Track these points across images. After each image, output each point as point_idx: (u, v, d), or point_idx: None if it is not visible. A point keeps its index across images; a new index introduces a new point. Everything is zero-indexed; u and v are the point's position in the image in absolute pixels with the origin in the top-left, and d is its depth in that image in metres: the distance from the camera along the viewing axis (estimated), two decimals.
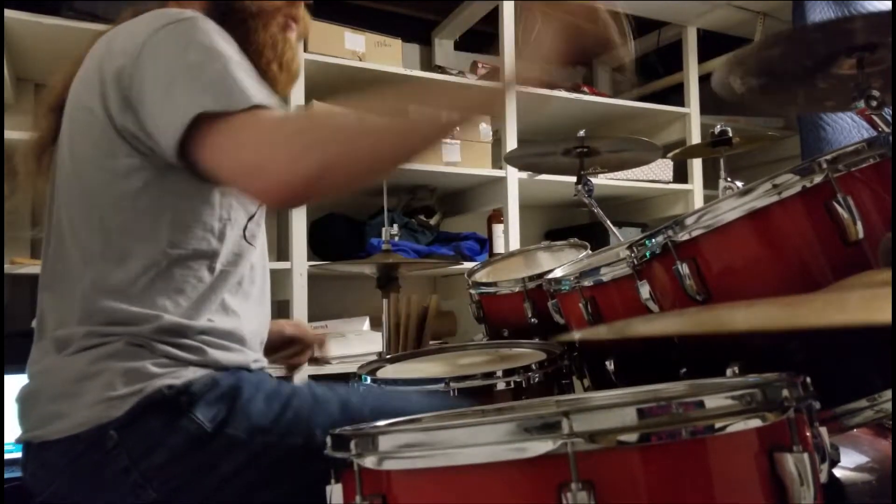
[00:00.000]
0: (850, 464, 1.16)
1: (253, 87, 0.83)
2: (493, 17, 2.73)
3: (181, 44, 0.85)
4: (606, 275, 1.14)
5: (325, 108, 0.85)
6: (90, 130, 0.89)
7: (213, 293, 0.94)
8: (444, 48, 3.08)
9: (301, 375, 1.94)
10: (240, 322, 0.98)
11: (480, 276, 1.82)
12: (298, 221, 2.23)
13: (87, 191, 0.91)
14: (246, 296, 1.00)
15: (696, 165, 3.01)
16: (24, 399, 0.92)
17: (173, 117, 0.81)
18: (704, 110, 3.08)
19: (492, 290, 1.66)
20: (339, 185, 0.83)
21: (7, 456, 1.42)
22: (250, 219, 0.99)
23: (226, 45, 0.87)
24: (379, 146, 0.83)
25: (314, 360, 1.41)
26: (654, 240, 0.97)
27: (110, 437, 0.83)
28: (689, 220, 0.93)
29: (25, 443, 0.90)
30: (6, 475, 1.34)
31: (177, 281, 0.91)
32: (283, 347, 1.35)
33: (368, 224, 2.51)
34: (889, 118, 1.15)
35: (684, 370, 1.01)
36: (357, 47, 2.36)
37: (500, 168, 2.57)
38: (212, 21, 0.90)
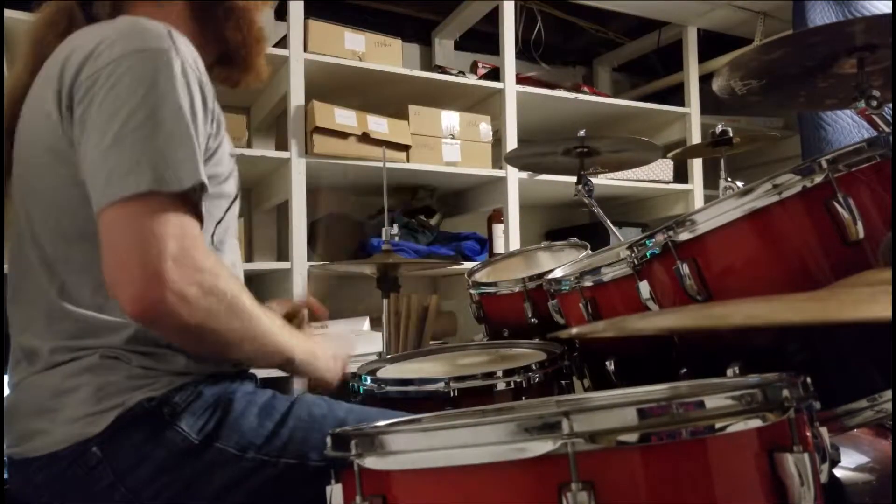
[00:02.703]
0: (850, 464, 1.16)
1: (191, 165, 0.80)
2: (493, 17, 2.73)
3: (139, 89, 0.79)
4: (607, 275, 1.14)
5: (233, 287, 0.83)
6: (46, 134, 0.85)
7: None
8: (444, 48, 3.08)
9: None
10: None
11: (480, 276, 1.81)
12: (298, 221, 2.23)
13: (43, 196, 0.88)
14: None
15: (697, 165, 3.01)
16: (6, 413, 0.89)
17: (104, 185, 0.78)
18: (704, 110, 3.09)
19: (492, 290, 1.66)
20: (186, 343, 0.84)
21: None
22: (218, 223, 0.94)
23: (184, 96, 0.82)
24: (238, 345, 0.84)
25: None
26: (654, 240, 0.97)
27: (93, 454, 0.81)
28: (689, 220, 0.93)
29: (9, 458, 0.88)
30: (6, 475, 1.34)
31: None
32: None
33: (368, 224, 2.51)
34: (889, 118, 1.15)
35: (684, 370, 1.01)
36: (357, 47, 2.36)
37: (501, 168, 2.57)
38: (182, 52, 0.84)
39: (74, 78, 0.82)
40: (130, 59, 0.81)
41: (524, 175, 2.57)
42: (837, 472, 1.10)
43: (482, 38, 3.05)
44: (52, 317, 0.87)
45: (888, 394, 0.87)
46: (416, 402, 1.16)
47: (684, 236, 0.94)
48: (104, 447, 0.81)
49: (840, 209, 0.86)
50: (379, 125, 2.30)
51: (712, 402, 0.59)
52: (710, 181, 2.71)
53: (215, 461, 0.83)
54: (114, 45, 0.82)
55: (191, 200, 0.80)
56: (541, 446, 0.55)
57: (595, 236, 2.34)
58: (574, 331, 1.17)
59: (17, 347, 0.91)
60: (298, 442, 0.86)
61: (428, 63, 3.02)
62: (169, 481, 0.82)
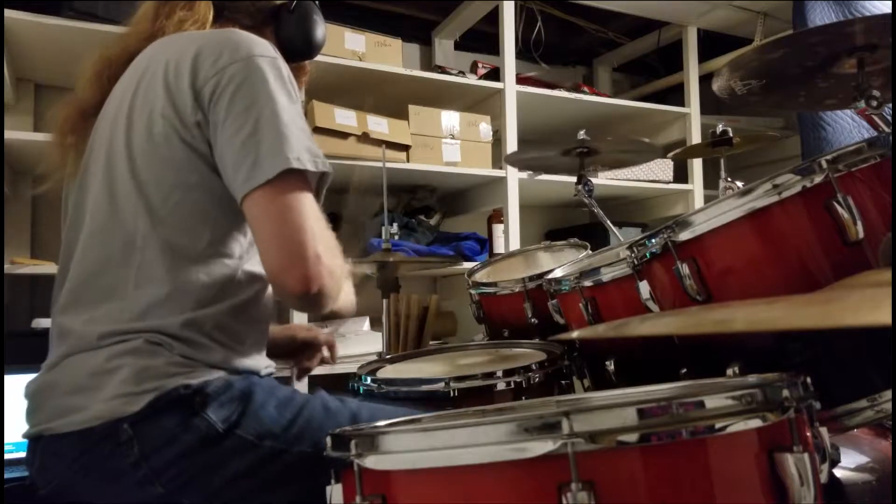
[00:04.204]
0: (850, 464, 1.16)
1: (312, 148, 0.90)
2: (493, 17, 2.73)
3: (272, 88, 0.89)
4: (606, 275, 1.14)
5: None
6: (148, 129, 0.92)
7: (243, 302, 0.96)
8: (444, 48, 3.08)
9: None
10: (257, 330, 1.00)
11: (480, 276, 1.82)
12: None
13: (139, 181, 0.92)
14: (257, 304, 1.00)
15: (697, 165, 3.01)
16: (36, 393, 0.93)
17: (253, 170, 0.86)
18: (704, 110, 3.09)
19: (492, 290, 1.66)
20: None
21: (7, 456, 1.42)
22: None
23: (296, 98, 0.92)
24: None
25: (322, 362, 1.42)
26: (654, 240, 0.97)
27: (124, 431, 0.84)
28: (689, 220, 0.94)
29: (34, 437, 0.90)
30: (6, 475, 1.34)
31: (209, 278, 0.92)
32: (295, 352, 1.37)
33: (368, 224, 2.51)
34: (889, 118, 1.15)
35: (684, 370, 1.01)
36: (357, 47, 2.36)
37: (501, 168, 2.57)
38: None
39: (194, 80, 0.90)
40: (255, 60, 0.90)
41: (524, 175, 2.57)
42: (837, 472, 1.10)
43: (482, 38, 3.05)
44: (113, 297, 0.90)
45: (888, 394, 0.87)
46: (416, 402, 1.16)
47: (684, 236, 0.94)
48: (135, 426, 0.84)
49: (840, 209, 0.87)
50: (379, 125, 2.30)
51: (712, 402, 0.59)
52: (710, 181, 2.71)
53: (234, 448, 0.86)
54: (234, 48, 0.91)
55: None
56: (541, 446, 0.56)
57: (595, 236, 2.34)
58: (574, 334, 1.17)
59: (61, 327, 0.94)
60: (314, 431, 0.89)
61: (428, 63, 3.02)
62: (189, 466, 0.85)
